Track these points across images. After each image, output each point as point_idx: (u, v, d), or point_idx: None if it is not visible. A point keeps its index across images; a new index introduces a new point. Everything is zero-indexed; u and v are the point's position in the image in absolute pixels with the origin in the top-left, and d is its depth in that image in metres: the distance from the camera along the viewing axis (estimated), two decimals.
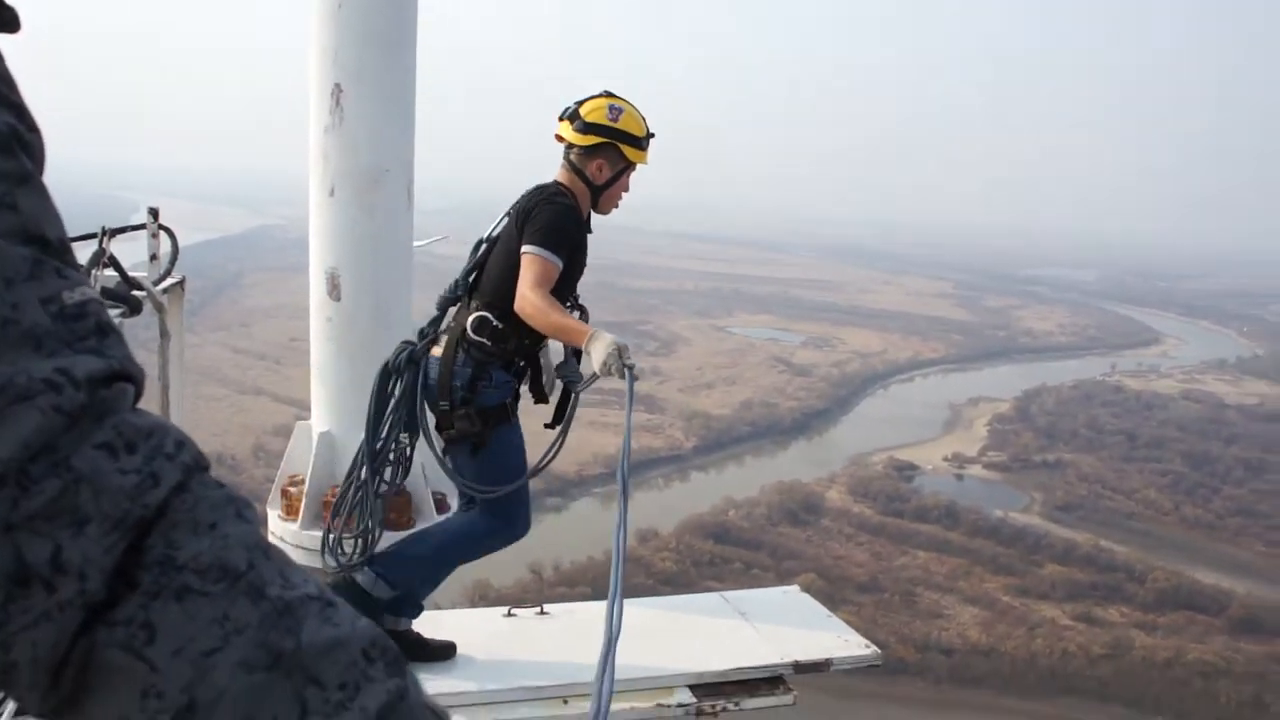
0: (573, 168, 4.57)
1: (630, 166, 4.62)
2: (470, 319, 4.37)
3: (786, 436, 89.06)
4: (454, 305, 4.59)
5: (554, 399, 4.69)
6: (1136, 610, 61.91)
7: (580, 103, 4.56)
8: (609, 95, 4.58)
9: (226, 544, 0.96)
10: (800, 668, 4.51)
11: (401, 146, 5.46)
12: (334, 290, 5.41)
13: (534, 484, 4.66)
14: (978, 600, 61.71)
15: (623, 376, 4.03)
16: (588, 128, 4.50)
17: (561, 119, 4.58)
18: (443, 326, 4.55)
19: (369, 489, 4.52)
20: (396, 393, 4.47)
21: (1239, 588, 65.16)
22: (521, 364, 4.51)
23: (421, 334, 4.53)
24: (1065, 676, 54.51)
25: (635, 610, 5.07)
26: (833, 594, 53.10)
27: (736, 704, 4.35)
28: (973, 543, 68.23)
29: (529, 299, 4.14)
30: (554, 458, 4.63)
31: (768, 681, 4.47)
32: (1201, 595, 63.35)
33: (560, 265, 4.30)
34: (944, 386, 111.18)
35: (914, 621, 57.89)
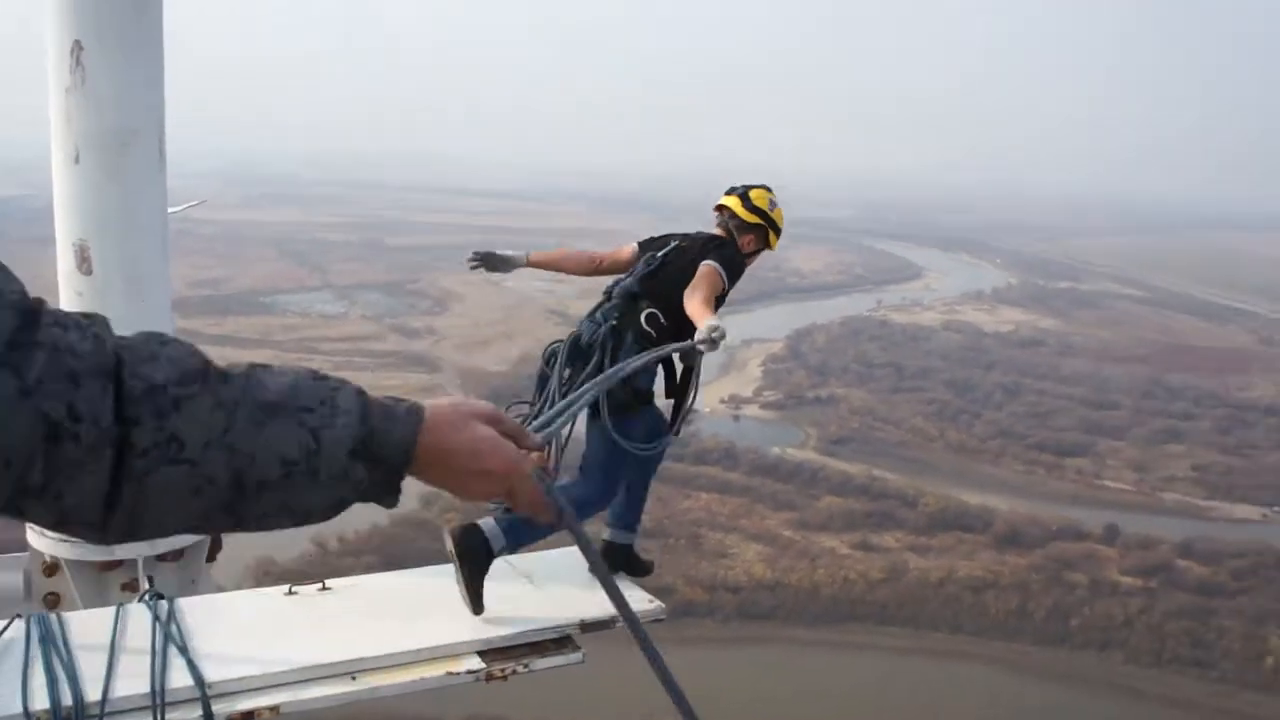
0: (729, 233, 5.46)
1: (765, 248, 5.58)
2: (644, 313, 5.10)
3: None
4: (624, 299, 5.19)
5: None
6: (910, 534, 64.88)
7: (749, 187, 5.51)
8: (768, 190, 5.53)
9: (177, 358, 1.28)
10: (586, 626, 4.51)
11: (150, 106, 5.11)
12: (84, 263, 5.05)
13: None
14: (760, 537, 63.51)
15: (707, 341, 4.68)
16: (754, 209, 5.43)
17: (730, 194, 5.51)
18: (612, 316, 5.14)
19: (556, 441, 4.81)
20: (589, 366, 5.02)
21: (1002, 505, 68.95)
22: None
23: (604, 316, 5.12)
24: (847, 603, 56.80)
25: (420, 579, 4.99)
26: None
27: (526, 666, 4.32)
28: (752, 481, 70.12)
29: (700, 305, 4.91)
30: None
31: (556, 642, 4.46)
32: (968, 515, 66.87)
33: (727, 288, 5.19)
34: None
35: (700, 563, 59.21)
